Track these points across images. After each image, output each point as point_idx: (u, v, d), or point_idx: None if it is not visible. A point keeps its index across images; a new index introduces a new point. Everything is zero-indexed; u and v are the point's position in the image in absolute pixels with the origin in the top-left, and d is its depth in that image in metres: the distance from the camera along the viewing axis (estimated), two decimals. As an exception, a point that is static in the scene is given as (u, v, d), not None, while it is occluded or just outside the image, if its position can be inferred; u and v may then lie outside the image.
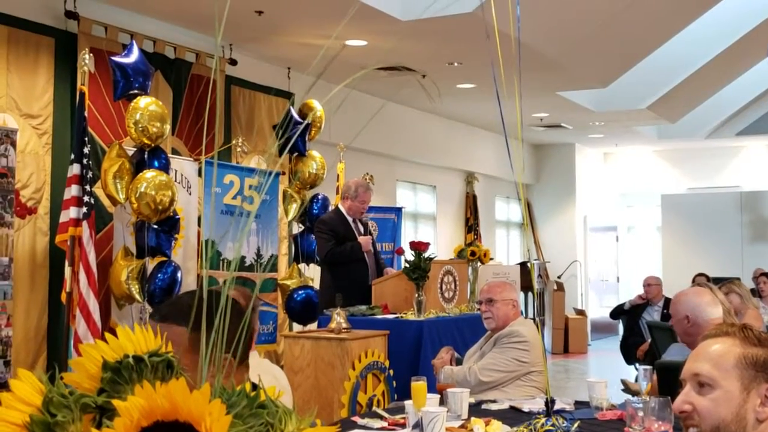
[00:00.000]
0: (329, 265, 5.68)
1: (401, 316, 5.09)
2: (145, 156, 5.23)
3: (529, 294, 11.28)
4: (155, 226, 5.20)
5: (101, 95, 5.50)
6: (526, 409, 3.10)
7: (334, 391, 4.40)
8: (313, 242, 6.45)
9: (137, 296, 5.17)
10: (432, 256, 5.19)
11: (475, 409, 3.11)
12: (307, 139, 6.66)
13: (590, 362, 11.46)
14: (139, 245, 5.25)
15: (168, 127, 5.34)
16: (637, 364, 7.60)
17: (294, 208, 6.64)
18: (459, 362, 3.88)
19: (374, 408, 3.75)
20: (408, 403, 2.86)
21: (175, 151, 6.04)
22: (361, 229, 5.84)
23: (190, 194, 5.88)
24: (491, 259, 6.57)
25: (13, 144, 4.66)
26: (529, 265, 10.80)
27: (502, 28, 2.73)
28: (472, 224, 11.43)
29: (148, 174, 5.13)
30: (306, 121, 6.52)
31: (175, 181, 5.53)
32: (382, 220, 7.95)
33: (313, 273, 6.65)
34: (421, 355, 4.80)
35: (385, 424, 2.94)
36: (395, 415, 3.02)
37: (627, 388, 6.89)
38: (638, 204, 14.59)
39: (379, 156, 9.20)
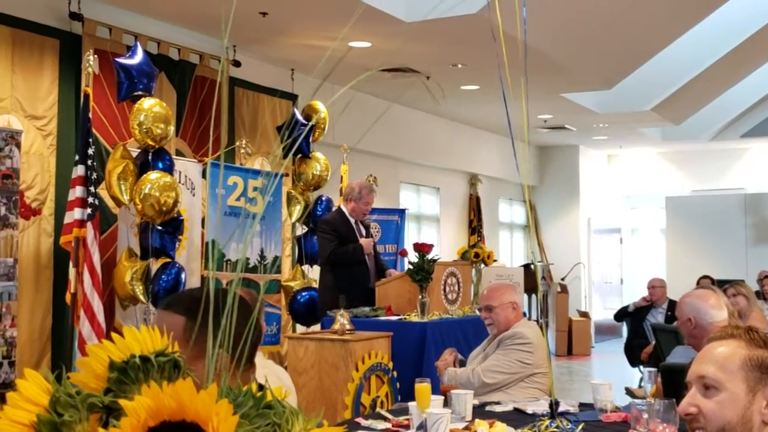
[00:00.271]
0: (331, 267, 5.67)
1: (405, 318, 5.08)
2: (150, 157, 5.24)
3: (533, 296, 11.27)
4: (159, 228, 5.21)
5: (105, 96, 5.51)
6: (530, 411, 3.09)
7: (338, 393, 4.40)
8: (316, 243, 6.45)
9: (141, 297, 5.18)
10: (436, 258, 5.18)
11: (479, 411, 3.11)
12: (311, 140, 6.66)
13: (594, 364, 11.44)
14: (143, 246, 5.26)
15: (172, 129, 5.35)
16: (641, 367, 7.59)
17: (298, 210, 6.65)
18: (462, 364, 3.87)
19: (378, 409, 3.74)
20: (412, 404, 2.85)
21: (179, 153, 6.05)
22: (363, 231, 5.84)
23: (194, 195, 5.88)
24: (495, 260, 6.57)
25: (18, 145, 4.67)
26: (533, 267, 10.80)
27: (507, 30, 2.73)
28: (475, 226, 11.43)
29: (152, 175, 5.13)
30: (311, 123, 6.53)
31: (179, 182, 5.54)
32: (385, 221, 7.95)
33: (316, 274, 6.65)
34: (424, 357, 4.80)
35: (389, 425, 2.94)
36: (399, 417, 3.01)
37: (632, 396, 6.88)
38: (642, 206, 14.57)
39: (382, 157, 9.20)
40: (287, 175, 6.86)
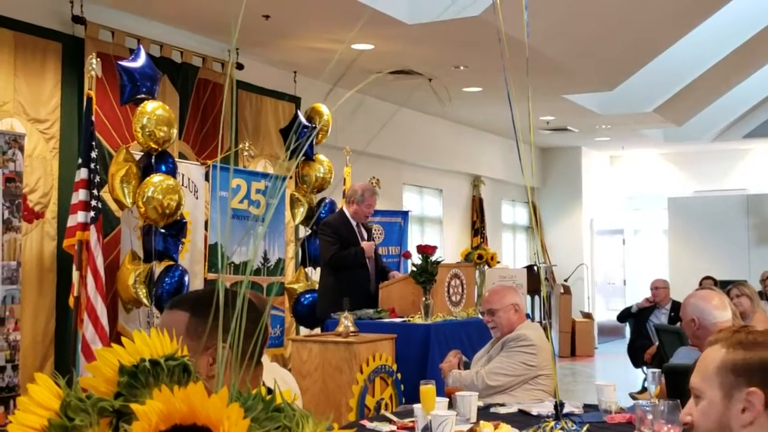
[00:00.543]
0: (332, 269, 5.67)
1: (408, 320, 5.08)
2: (152, 160, 5.25)
3: (536, 297, 11.27)
4: (162, 230, 5.21)
5: (108, 100, 5.51)
6: (534, 413, 3.09)
7: (342, 395, 4.40)
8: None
9: (144, 300, 5.18)
10: (439, 260, 5.18)
11: (484, 413, 3.11)
12: (314, 143, 6.66)
13: (597, 365, 11.44)
14: (146, 249, 5.26)
15: (175, 132, 5.35)
16: (644, 368, 7.59)
17: (301, 212, 6.65)
18: (467, 366, 3.87)
19: (382, 412, 3.75)
20: (417, 406, 2.85)
21: (182, 155, 6.05)
22: (364, 233, 5.83)
23: (197, 198, 5.89)
24: (498, 262, 6.57)
25: (21, 149, 4.67)
26: (536, 268, 10.79)
27: (510, 32, 2.73)
28: (478, 227, 11.42)
29: (155, 178, 5.14)
30: (315, 126, 6.53)
31: (182, 185, 5.54)
32: (388, 223, 7.95)
33: (319, 277, 6.66)
34: (428, 359, 4.80)
35: (393, 427, 2.94)
36: (404, 419, 3.01)
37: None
38: (645, 207, 14.56)
39: (385, 160, 9.21)
40: (291, 177, 6.86)
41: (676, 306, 7.59)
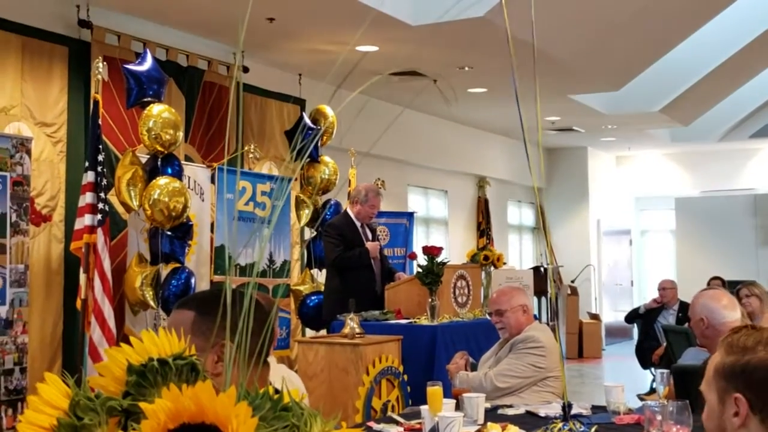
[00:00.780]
0: (337, 271, 5.67)
1: (415, 321, 5.08)
2: (159, 163, 5.26)
3: (543, 299, 11.25)
4: (169, 233, 5.22)
5: (115, 103, 5.52)
6: (542, 414, 3.08)
7: (349, 397, 4.39)
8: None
9: (151, 302, 5.19)
10: (445, 261, 5.18)
11: (491, 414, 3.10)
12: (319, 144, 6.67)
13: (605, 367, 11.41)
14: (153, 252, 5.27)
15: (181, 135, 5.36)
16: (652, 368, 7.57)
17: (306, 214, 6.65)
18: (474, 367, 3.86)
19: (389, 413, 3.74)
20: (424, 408, 2.85)
21: (188, 158, 6.06)
22: (369, 234, 5.83)
23: (203, 201, 5.89)
24: (504, 263, 6.56)
25: (28, 152, 4.69)
26: (542, 270, 10.78)
27: (516, 32, 2.72)
28: (484, 229, 11.41)
29: (162, 181, 5.15)
30: (320, 128, 6.54)
31: (188, 187, 5.55)
32: (393, 225, 7.95)
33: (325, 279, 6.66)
34: (435, 361, 4.79)
35: (401, 429, 2.94)
36: (411, 420, 3.01)
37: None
38: (652, 207, 14.53)
39: (390, 161, 9.21)
40: (296, 179, 6.87)
41: (684, 306, 7.56)
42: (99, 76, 4.95)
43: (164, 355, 0.74)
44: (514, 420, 2.95)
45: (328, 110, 6.79)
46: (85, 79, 5.37)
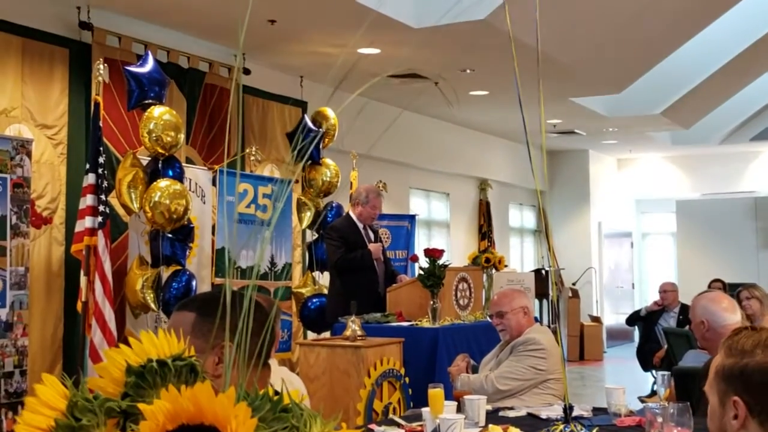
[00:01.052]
0: (339, 273, 5.67)
1: (416, 324, 5.07)
2: (160, 165, 5.25)
3: (544, 301, 11.24)
4: (170, 235, 5.22)
5: (115, 105, 5.52)
6: (543, 416, 3.08)
7: (350, 399, 4.39)
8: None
9: (152, 305, 5.18)
10: (446, 263, 5.17)
11: (493, 416, 3.09)
12: (320, 147, 6.67)
13: (606, 369, 11.40)
14: (153, 254, 5.26)
15: (182, 137, 5.36)
16: (653, 371, 7.56)
17: (308, 216, 6.65)
18: (475, 370, 3.85)
19: (391, 415, 3.74)
20: (425, 410, 2.84)
21: (189, 160, 6.06)
22: (372, 236, 5.83)
23: (204, 203, 5.89)
24: (506, 265, 6.55)
25: (29, 154, 4.68)
26: (543, 272, 10.77)
27: (518, 35, 2.72)
28: (485, 231, 11.40)
29: (162, 183, 5.15)
30: (321, 130, 6.53)
31: (189, 190, 5.55)
32: (395, 227, 7.95)
33: (327, 281, 6.65)
34: (436, 363, 4.78)
35: (402, 431, 2.93)
36: (412, 423, 3.00)
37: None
38: (653, 210, 14.52)
39: (391, 163, 9.21)
40: (297, 181, 6.86)
41: (684, 309, 7.56)
42: (100, 78, 4.95)
43: (163, 356, 0.74)
44: (516, 422, 2.94)
45: (330, 112, 6.79)
46: (86, 81, 5.37)
